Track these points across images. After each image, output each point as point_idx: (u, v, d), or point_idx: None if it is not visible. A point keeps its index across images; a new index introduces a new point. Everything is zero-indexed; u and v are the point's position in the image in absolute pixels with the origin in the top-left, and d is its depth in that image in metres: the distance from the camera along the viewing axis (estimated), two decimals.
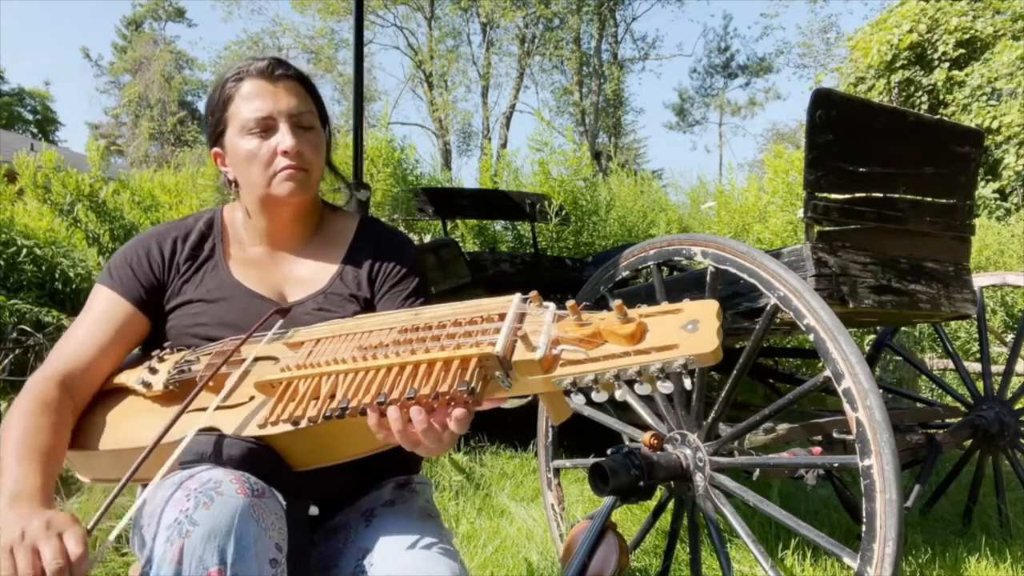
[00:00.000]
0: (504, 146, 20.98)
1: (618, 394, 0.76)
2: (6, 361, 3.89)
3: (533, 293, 0.89)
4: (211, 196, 4.86)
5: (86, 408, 1.11)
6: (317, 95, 1.23)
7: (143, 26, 33.69)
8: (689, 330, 0.75)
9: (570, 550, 1.58)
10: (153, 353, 1.13)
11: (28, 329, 4.15)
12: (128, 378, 1.11)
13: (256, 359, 1.03)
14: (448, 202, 4.10)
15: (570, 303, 0.82)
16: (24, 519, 0.84)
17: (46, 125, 31.94)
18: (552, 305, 0.87)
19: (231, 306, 1.14)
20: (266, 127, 1.15)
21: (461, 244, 4.71)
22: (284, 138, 1.14)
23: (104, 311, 1.16)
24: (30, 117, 31.83)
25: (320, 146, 1.20)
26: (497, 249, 5.13)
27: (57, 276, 4.63)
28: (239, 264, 1.21)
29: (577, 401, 0.79)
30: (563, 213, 4.72)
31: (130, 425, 1.06)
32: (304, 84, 1.20)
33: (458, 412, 0.82)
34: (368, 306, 1.21)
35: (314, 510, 1.05)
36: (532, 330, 0.82)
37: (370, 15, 22.32)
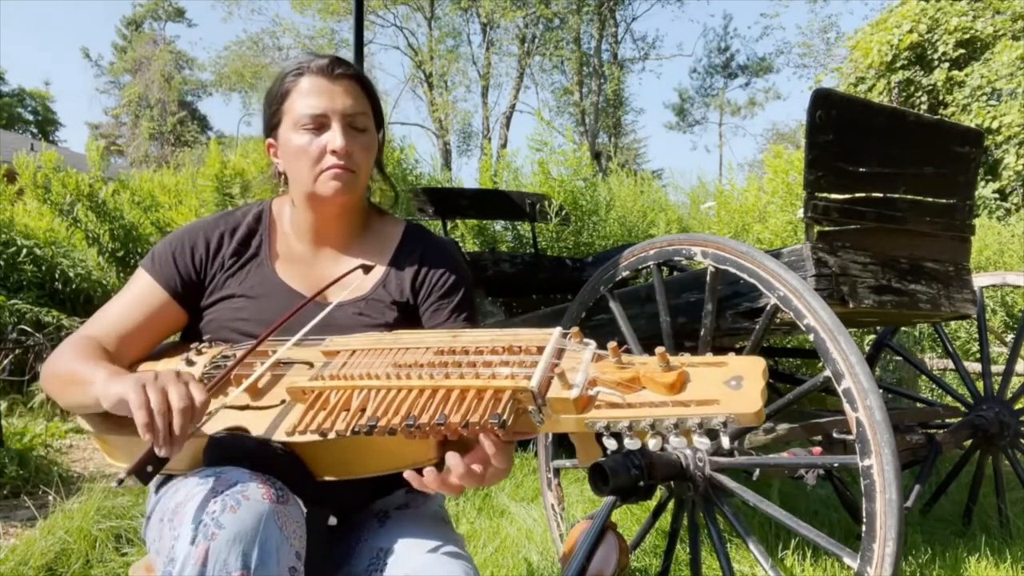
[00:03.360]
0: (504, 146, 20.97)
1: (651, 443, 0.73)
2: (6, 361, 3.89)
3: (574, 330, 0.88)
4: (211, 196, 4.85)
5: None
6: (375, 96, 1.23)
7: (143, 26, 33.69)
8: (732, 386, 0.73)
9: (570, 550, 1.58)
10: (192, 345, 1.13)
11: (28, 329, 4.15)
12: (165, 367, 1.11)
13: (291, 362, 1.03)
14: (448, 202, 4.09)
15: (611, 345, 0.80)
16: (149, 372, 0.89)
17: (46, 125, 31.95)
18: (592, 344, 0.85)
19: (272, 304, 1.14)
20: (319, 124, 1.14)
21: (461, 244, 4.71)
22: (335, 137, 1.13)
23: (139, 295, 1.16)
24: (30, 117, 31.84)
25: (371, 149, 1.19)
26: (497, 249, 5.13)
27: (57, 276, 4.63)
28: (284, 262, 1.21)
29: (609, 444, 0.77)
30: (563, 213, 4.71)
31: None
32: (362, 85, 1.20)
33: (491, 445, 0.81)
34: (410, 313, 1.20)
35: (333, 520, 1.05)
36: (570, 367, 0.81)
37: (370, 15, 22.31)
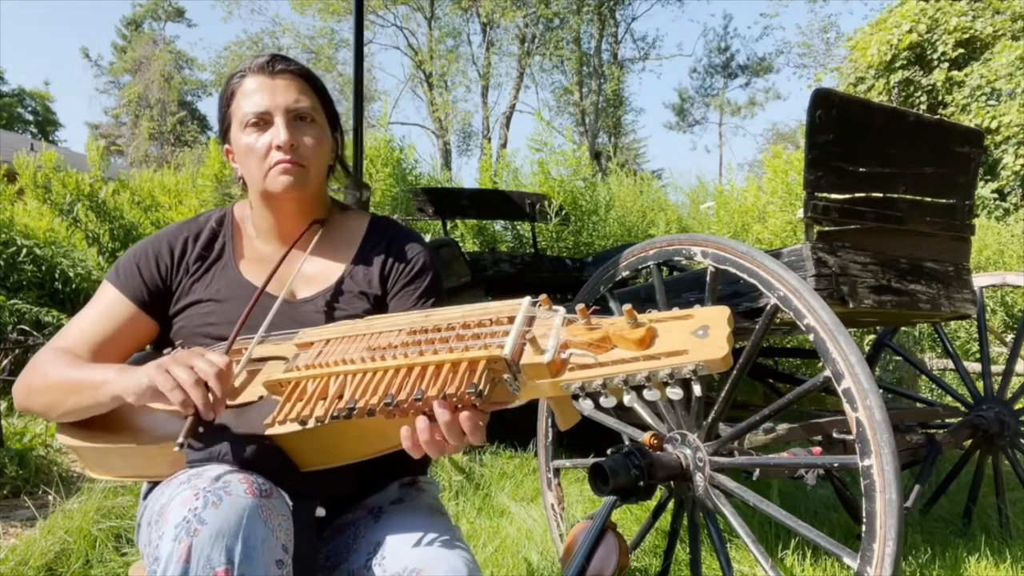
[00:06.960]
0: (504, 146, 20.99)
1: (626, 399, 0.75)
2: (6, 361, 3.89)
3: (543, 297, 0.89)
4: (211, 196, 4.86)
5: None
6: (322, 91, 1.23)
7: (143, 26, 33.68)
8: (699, 336, 0.74)
9: (570, 550, 1.58)
10: (164, 351, 1.13)
11: (28, 329, 4.15)
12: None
13: (265, 359, 1.03)
14: (448, 202, 4.10)
15: (580, 307, 0.81)
16: (165, 357, 0.93)
17: (46, 125, 31.95)
18: (562, 309, 0.86)
19: (240, 306, 1.14)
20: (264, 122, 1.15)
21: (461, 244, 4.71)
22: (279, 132, 1.14)
23: (107, 308, 1.17)
24: (30, 117, 31.84)
25: (322, 141, 1.19)
26: (497, 249, 5.13)
27: (57, 276, 4.63)
28: (249, 262, 1.22)
29: (585, 405, 0.79)
30: (563, 213, 4.72)
31: (142, 421, 1.06)
32: (307, 80, 1.20)
33: (467, 415, 0.81)
34: (380, 304, 1.21)
35: (321, 512, 1.05)
36: (541, 333, 0.82)
37: (370, 15, 22.32)
